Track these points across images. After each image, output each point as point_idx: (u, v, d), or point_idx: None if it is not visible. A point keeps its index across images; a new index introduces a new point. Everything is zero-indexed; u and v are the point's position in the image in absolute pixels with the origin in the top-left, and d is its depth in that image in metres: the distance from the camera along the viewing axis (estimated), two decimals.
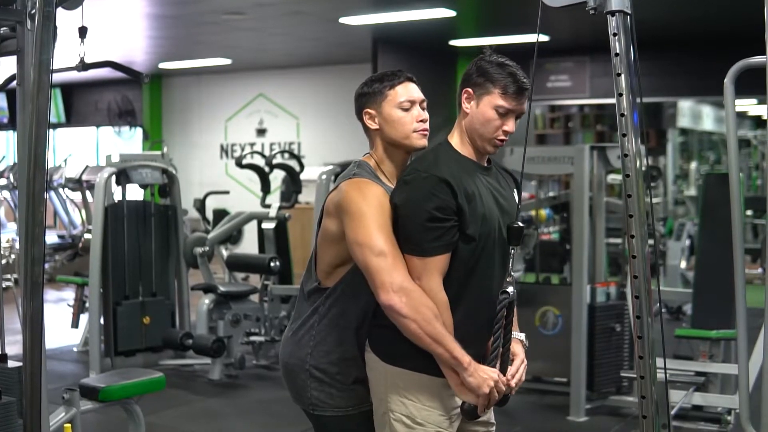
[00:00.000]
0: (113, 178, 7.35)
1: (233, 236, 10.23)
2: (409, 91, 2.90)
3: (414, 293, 2.68)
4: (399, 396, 2.83)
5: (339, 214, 2.81)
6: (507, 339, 2.86)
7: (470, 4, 10.75)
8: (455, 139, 2.91)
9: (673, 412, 5.49)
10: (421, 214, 2.72)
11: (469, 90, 2.85)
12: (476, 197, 2.78)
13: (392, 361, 2.84)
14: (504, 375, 2.82)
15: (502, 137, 2.84)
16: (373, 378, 2.90)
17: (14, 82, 3.18)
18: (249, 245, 11.14)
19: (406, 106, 2.88)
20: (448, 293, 2.77)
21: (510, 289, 2.83)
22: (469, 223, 2.75)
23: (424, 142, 2.90)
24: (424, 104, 2.93)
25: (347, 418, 2.94)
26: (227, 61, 14.41)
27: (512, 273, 2.86)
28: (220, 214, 10.97)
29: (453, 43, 12.45)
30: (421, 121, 2.89)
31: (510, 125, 2.84)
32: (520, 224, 2.88)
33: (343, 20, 10.64)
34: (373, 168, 2.91)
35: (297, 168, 9.11)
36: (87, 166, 11.72)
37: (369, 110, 2.92)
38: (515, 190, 3.04)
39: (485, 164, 2.93)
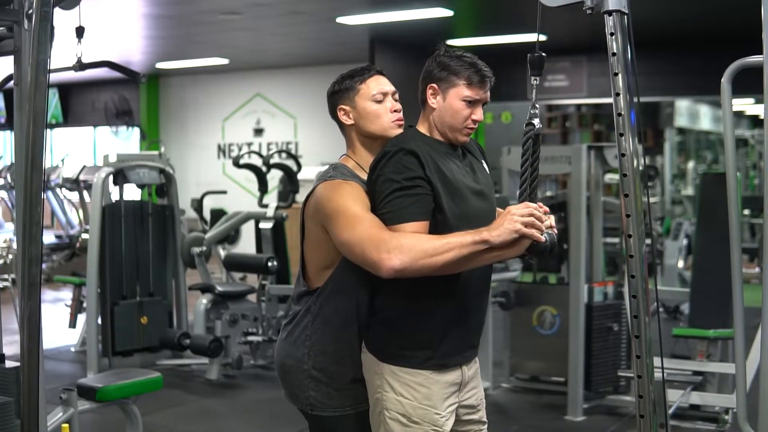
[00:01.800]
0: (110, 178, 7.35)
1: (231, 236, 10.24)
2: (380, 83, 2.94)
3: (403, 243, 2.60)
4: (394, 394, 2.83)
5: (319, 218, 2.83)
6: (534, 172, 2.81)
7: (467, 3, 10.75)
8: (423, 128, 2.93)
9: (670, 411, 5.49)
10: (392, 185, 2.73)
11: (434, 85, 2.87)
12: (447, 174, 2.80)
13: (387, 359, 2.84)
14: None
15: (472, 126, 2.88)
16: (369, 377, 2.90)
17: (11, 82, 3.18)
18: (246, 245, 11.15)
19: (378, 98, 2.92)
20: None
21: (535, 121, 2.80)
22: (442, 197, 2.75)
23: (400, 131, 2.92)
24: (396, 95, 2.97)
25: (345, 418, 2.94)
26: (224, 61, 14.40)
27: (536, 104, 2.80)
28: (218, 214, 10.98)
29: (450, 42, 12.44)
30: (395, 111, 2.93)
31: (478, 114, 2.88)
32: (543, 53, 2.82)
33: (340, 20, 10.65)
34: (351, 168, 2.92)
35: (294, 168, 9.11)
36: (84, 166, 11.73)
37: (343, 106, 2.96)
38: (483, 160, 3.06)
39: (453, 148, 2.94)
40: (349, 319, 2.88)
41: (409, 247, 2.58)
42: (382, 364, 2.85)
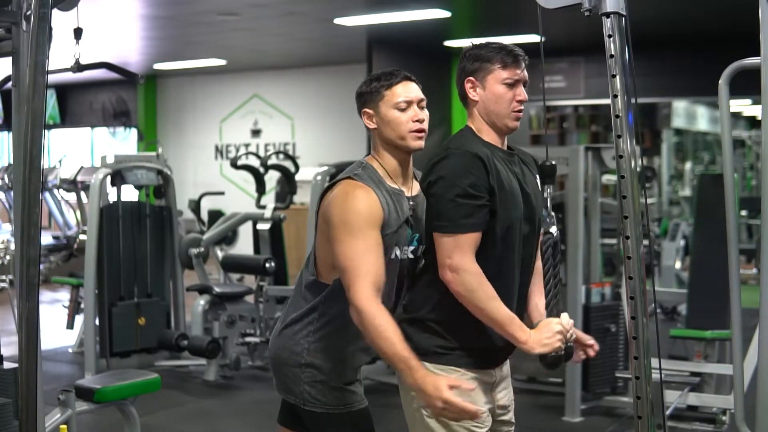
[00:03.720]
0: (108, 179, 7.34)
1: (228, 237, 10.24)
2: (407, 90, 2.89)
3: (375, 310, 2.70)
4: None
5: (326, 217, 2.86)
6: (557, 278, 2.90)
7: (465, 4, 10.76)
8: (476, 128, 2.92)
9: (668, 412, 5.50)
10: (454, 190, 2.74)
11: (471, 79, 2.89)
12: (504, 181, 2.81)
13: (424, 357, 2.80)
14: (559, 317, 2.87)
15: (519, 107, 2.88)
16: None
17: (9, 84, 3.18)
18: (244, 246, 11.14)
19: (402, 106, 2.86)
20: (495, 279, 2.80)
21: (553, 229, 2.86)
22: (498, 204, 2.78)
23: (420, 143, 2.89)
24: (423, 103, 2.91)
25: (339, 416, 2.95)
26: (222, 62, 14.40)
27: (552, 213, 2.88)
28: (215, 215, 10.98)
29: (448, 43, 12.46)
30: (417, 120, 2.87)
31: (521, 93, 2.88)
32: (553, 162, 2.93)
33: (337, 21, 10.65)
34: (376, 169, 2.90)
35: (292, 169, 9.11)
36: (82, 167, 11.71)
37: (367, 110, 2.92)
38: (537, 174, 3.06)
39: (507, 150, 2.96)
40: (352, 324, 2.84)
41: (376, 322, 2.69)
42: (420, 361, 2.80)
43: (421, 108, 2.91)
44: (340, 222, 2.77)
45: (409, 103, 2.87)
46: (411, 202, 2.92)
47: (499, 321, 2.75)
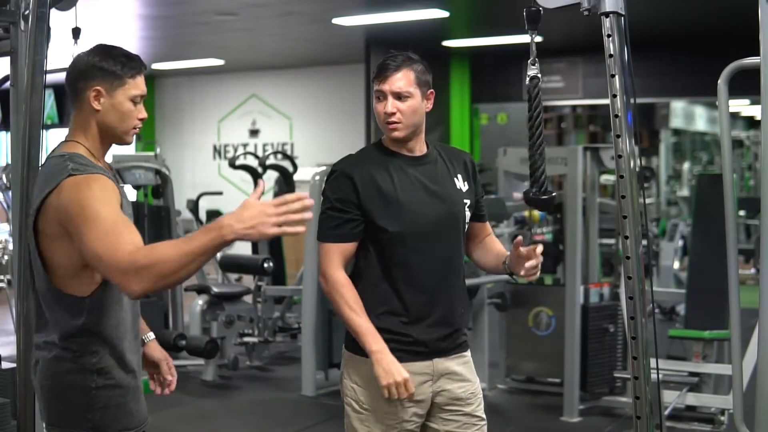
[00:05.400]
0: None
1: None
2: (143, 84, 2.64)
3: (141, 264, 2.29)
4: (350, 381, 3.01)
5: (68, 219, 2.44)
6: (540, 127, 2.91)
7: (463, 4, 10.75)
8: (383, 140, 3.07)
9: (666, 412, 5.49)
10: (325, 203, 3.00)
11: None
12: (390, 191, 2.95)
13: (346, 346, 3.03)
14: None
15: None
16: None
17: (8, 83, 3.18)
18: (242, 246, 11.12)
19: (137, 100, 2.61)
20: (386, 274, 2.96)
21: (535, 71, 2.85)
22: (376, 216, 2.93)
23: (132, 139, 2.69)
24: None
25: None
26: (220, 62, 14.39)
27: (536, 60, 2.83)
28: (214, 215, 10.97)
29: (446, 43, 12.44)
30: (142, 119, 2.66)
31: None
32: (540, 8, 2.83)
33: (335, 21, 10.64)
34: (86, 156, 2.57)
35: (290, 169, 9.11)
36: None
37: (99, 88, 2.56)
38: (463, 173, 3.11)
39: (418, 154, 3.05)
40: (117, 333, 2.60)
41: (148, 268, 2.27)
42: (343, 350, 3.04)
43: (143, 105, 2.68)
44: (87, 212, 2.41)
45: (142, 98, 2.64)
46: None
47: (354, 329, 2.92)
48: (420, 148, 3.06)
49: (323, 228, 2.98)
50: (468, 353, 3.12)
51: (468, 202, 3.07)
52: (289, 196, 2.31)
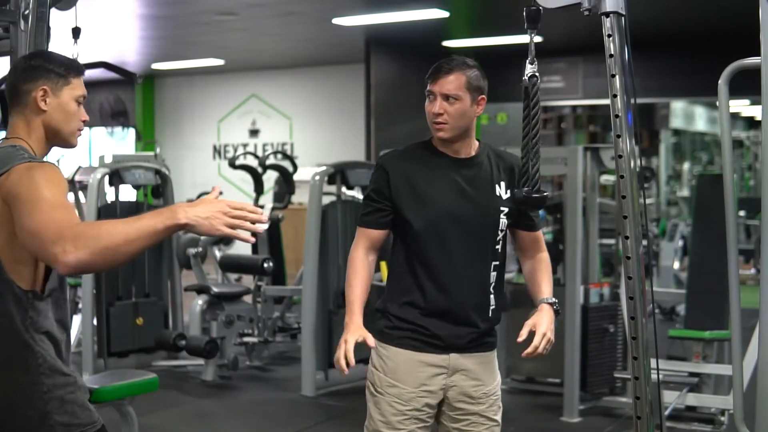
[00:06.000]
0: (106, 178, 7.33)
1: (226, 237, 10.21)
2: (83, 87, 2.66)
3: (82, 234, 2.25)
4: (371, 363, 3.12)
5: (13, 198, 2.38)
6: (537, 125, 3.08)
7: (463, 4, 10.75)
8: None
9: (666, 412, 5.49)
10: (366, 191, 3.21)
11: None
12: (423, 188, 3.05)
13: (376, 336, 3.07)
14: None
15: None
16: None
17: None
18: (242, 246, 11.12)
19: (81, 100, 2.63)
20: (411, 268, 3.07)
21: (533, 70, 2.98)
22: (404, 209, 3.05)
23: (77, 141, 2.68)
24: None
25: None
26: (220, 62, 14.40)
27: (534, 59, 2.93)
28: None
29: (446, 43, 12.44)
30: (84, 121, 2.66)
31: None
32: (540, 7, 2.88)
33: (335, 21, 10.64)
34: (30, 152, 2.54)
35: (290, 169, 9.10)
36: (80, 167, 11.67)
37: (46, 87, 2.55)
38: (507, 180, 3.14)
39: (464, 156, 3.12)
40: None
41: (88, 235, 2.25)
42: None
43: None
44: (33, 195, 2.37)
45: (84, 99, 2.66)
46: None
47: (346, 299, 3.09)
48: (467, 150, 3.12)
49: (361, 213, 3.18)
50: (490, 354, 3.20)
51: (506, 209, 3.09)
52: (248, 205, 2.38)
